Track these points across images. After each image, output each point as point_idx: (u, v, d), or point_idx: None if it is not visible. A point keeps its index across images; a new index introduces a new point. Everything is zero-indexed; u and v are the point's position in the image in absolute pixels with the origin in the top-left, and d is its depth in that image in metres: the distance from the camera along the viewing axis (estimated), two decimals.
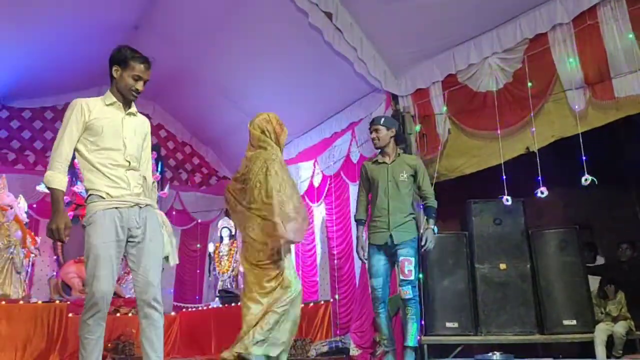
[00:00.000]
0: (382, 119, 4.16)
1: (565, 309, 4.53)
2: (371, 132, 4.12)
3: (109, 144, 2.66)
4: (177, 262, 2.91)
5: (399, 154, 4.14)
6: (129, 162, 2.69)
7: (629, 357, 4.30)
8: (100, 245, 2.53)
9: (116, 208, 2.60)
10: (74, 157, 2.68)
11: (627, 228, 5.34)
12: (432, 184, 5.19)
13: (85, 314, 2.52)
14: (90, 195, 2.63)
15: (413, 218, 4.00)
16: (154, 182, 2.92)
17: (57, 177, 2.57)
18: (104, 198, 2.60)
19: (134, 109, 2.82)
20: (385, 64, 5.75)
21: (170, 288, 8.47)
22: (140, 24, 6.83)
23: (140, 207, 2.68)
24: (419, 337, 4.03)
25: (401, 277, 3.86)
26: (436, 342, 4.70)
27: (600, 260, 5.48)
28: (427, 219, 4.03)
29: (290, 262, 3.47)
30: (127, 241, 2.64)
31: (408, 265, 3.84)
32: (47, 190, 2.73)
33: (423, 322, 4.78)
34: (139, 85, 2.74)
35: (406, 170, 4.04)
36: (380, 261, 3.97)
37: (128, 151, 2.70)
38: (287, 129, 3.60)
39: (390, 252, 3.95)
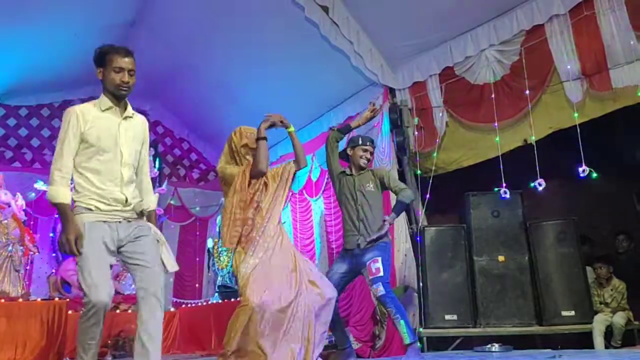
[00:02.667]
0: (373, 141, 4.26)
1: (564, 300, 4.54)
2: (367, 151, 4.08)
3: (104, 155, 2.58)
4: (177, 268, 2.81)
5: (366, 169, 4.12)
6: (123, 175, 2.61)
7: (628, 347, 4.32)
8: (94, 254, 2.48)
9: (104, 222, 2.56)
10: None
11: (625, 219, 5.35)
12: (429, 177, 5.22)
13: (86, 320, 2.46)
14: (77, 206, 2.57)
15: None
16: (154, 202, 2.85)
17: (60, 192, 2.51)
18: (92, 210, 2.55)
19: (129, 111, 2.71)
20: (382, 57, 5.74)
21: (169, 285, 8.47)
22: (137, 20, 6.79)
23: (129, 220, 2.63)
24: (413, 330, 3.90)
25: (369, 277, 3.74)
26: (435, 334, 4.72)
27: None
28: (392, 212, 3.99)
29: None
30: (119, 250, 2.59)
31: (374, 264, 3.73)
32: (44, 188, 2.70)
33: (422, 315, 4.81)
34: (124, 77, 2.59)
35: (372, 180, 4.02)
36: (340, 269, 3.89)
37: (125, 159, 2.63)
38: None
39: (357, 259, 3.86)
